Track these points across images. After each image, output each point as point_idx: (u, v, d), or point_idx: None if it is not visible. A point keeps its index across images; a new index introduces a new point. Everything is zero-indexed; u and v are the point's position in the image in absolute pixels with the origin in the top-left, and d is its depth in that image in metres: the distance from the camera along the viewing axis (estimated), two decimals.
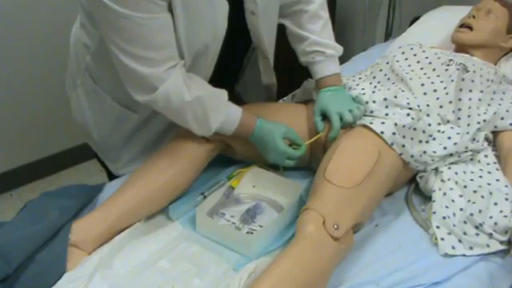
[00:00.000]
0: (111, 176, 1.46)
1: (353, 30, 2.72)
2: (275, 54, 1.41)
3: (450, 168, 1.26)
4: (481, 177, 1.24)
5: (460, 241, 1.12)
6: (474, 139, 1.32)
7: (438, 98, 1.34)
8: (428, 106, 1.31)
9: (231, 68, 1.45)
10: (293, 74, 1.49)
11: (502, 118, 1.38)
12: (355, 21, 2.69)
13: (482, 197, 1.17)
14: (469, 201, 1.17)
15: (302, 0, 1.32)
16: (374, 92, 1.35)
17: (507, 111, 1.40)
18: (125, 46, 1.04)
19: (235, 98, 1.28)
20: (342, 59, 1.47)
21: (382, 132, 1.19)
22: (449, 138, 1.28)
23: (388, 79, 1.44)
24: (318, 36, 1.33)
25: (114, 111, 1.31)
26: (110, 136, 1.37)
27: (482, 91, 1.39)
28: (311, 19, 1.34)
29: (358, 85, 1.42)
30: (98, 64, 1.25)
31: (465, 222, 1.14)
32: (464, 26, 1.58)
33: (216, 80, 1.23)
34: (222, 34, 1.16)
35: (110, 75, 1.21)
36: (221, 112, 1.18)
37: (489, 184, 1.20)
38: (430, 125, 1.28)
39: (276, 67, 1.45)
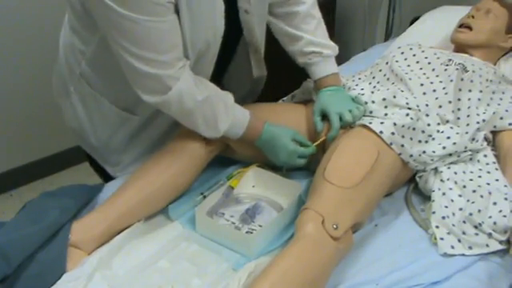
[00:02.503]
0: (107, 179, 1.43)
1: (353, 30, 2.71)
2: (274, 54, 1.41)
3: (449, 168, 1.26)
4: (480, 176, 1.24)
5: (459, 240, 1.12)
6: (473, 139, 1.32)
7: (437, 98, 1.34)
8: (427, 105, 1.31)
9: (222, 63, 1.45)
10: (293, 74, 1.49)
11: (502, 118, 1.38)
12: (355, 21, 2.69)
13: (482, 196, 1.17)
14: (468, 200, 1.17)
15: (293, 0, 1.33)
16: (373, 92, 1.35)
17: (506, 111, 1.40)
18: (134, 50, 1.03)
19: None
20: (342, 59, 1.48)
21: (381, 132, 1.19)
22: (448, 137, 1.28)
23: (387, 79, 1.44)
24: (312, 35, 1.34)
25: (112, 114, 1.30)
26: (109, 140, 1.36)
27: (481, 91, 1.39)
28: (304, 19, 1.34)
29: (357, 85, 1.42)
30: (95, 70, 1.23)
31: (464, 222, 1.14)
32: (463, 26, 1.58)
33: None
34: (221, 32, 1.16)
35: (108, 80, 1.20)
36: (228, 114, 1.18)
37: (488, 184, 1.21)
38: (429, 125, 1.28)
39: (276, 67, 1.45)
